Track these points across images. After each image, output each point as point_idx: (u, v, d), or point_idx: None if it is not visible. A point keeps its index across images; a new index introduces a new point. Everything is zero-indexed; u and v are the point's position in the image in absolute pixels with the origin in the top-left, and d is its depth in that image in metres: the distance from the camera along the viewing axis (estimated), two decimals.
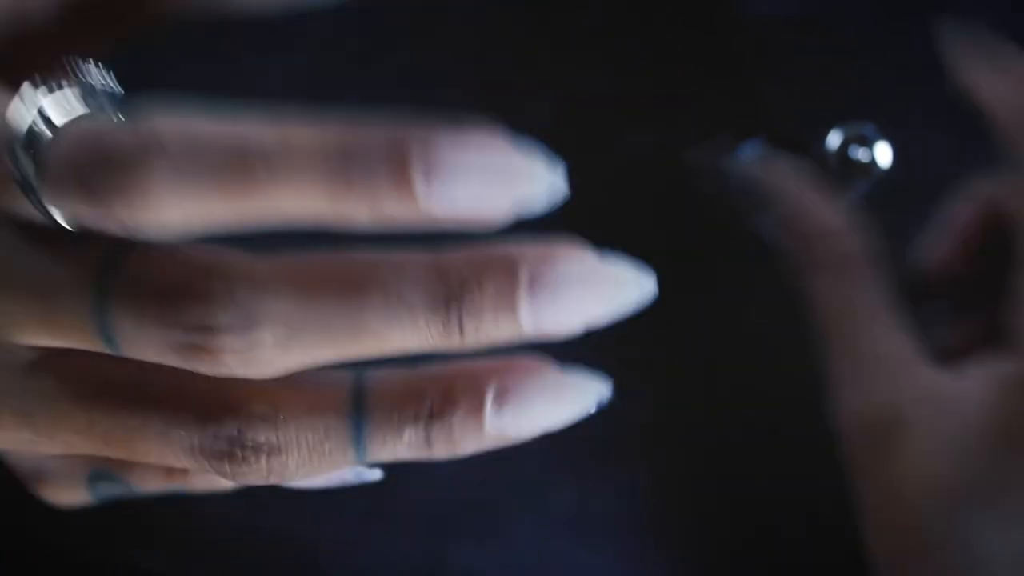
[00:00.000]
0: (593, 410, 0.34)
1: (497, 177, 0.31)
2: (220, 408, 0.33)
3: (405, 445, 0.33)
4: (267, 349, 0.31)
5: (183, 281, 0.31)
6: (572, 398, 0.33)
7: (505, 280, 0.31)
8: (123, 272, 0.32)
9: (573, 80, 0.51)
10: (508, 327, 0.32)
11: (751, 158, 0.45)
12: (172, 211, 0.31)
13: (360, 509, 0.51)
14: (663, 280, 0.53)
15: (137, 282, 0.32)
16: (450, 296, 0.31)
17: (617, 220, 0.51)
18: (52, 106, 0.32)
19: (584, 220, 0.51)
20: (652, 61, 0.51)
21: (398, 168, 0.30)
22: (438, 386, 0.33)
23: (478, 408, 0.32)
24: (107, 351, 0.33)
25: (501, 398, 0.33)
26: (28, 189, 0.32)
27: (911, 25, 0.51)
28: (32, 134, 0.32)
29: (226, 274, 0.31)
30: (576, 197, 0.52)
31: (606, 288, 0.32)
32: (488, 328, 0.31)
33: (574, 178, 0.51)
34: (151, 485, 0.40)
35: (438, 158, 0.30)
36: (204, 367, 0.32)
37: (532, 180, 0.31)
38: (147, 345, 0.32)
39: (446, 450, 0.33)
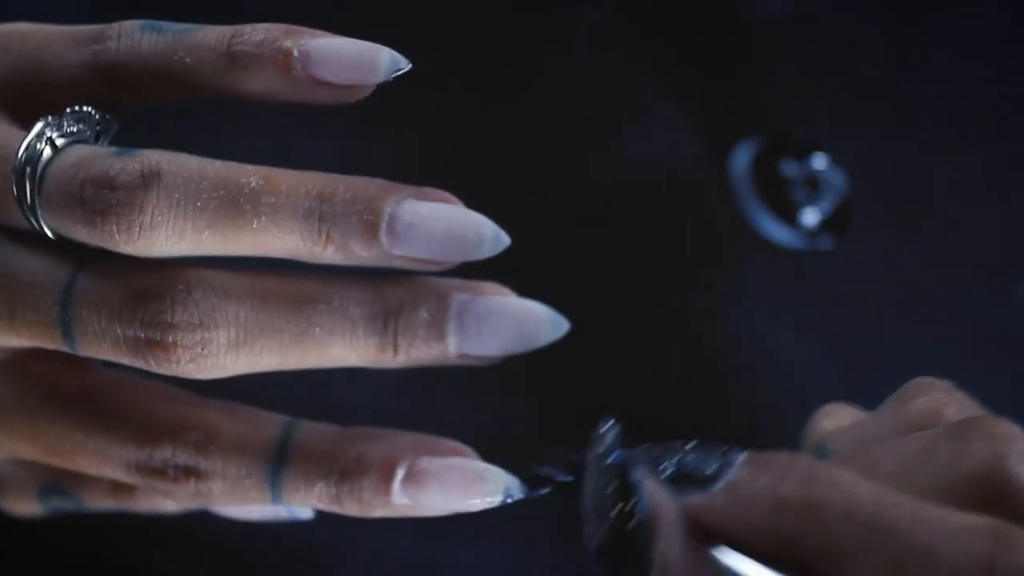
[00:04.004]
0: (503, 502, 0.36)
1: (449, 233, 0.35)
2: (158, 431, 0.36)
3: (316, 498, 0.36)
4: (219, 349, 0.34)
5: (147, 281, 0.34)
6: (482, 488, 0.36)
7: (438, 306, 0.36)
8: (91, 271, 0.35)
9: (573, 81, 0.51)
10: (436, 348, 0.36)
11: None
12: (163, 238, 0.34)
13: None
14: (663, 280, 0.53)
15: (103, 278, 0.35)
16: (388, 314, 0.35)
17: (615, 219, 0.51)
18: (54, 131, 0.35)
19: (583, 219, 0.51)
20: (651, 62, 0.51)
21: (367, 221, 0.34)
22: (355, 451, 0.36)
23: (387, 480, 0.36)
24: (64, 348, 0.35)
25: (411, 475, 0.36)
26: (25, 204, 0.35)
27: (909, 25, 0.51)
28: (33, 152, 0.35)
29: (187, 278, 0.34)
30: (576, 196, 0.52)
31: (524, 323, 0.36)
32: (419, 348, 0.36)
33: (573, 176, 0.51)
34: (99, 502, 0.42)
35: (401, 215, 0.35)
36: (155, 364, 0.34)
37: (480, 237, 0.35)
38: (104, 339, 0.34)
39: (356, 510, 0.36)
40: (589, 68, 0.51)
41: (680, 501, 0.32)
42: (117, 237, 0.34)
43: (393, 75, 0.35)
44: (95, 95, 0.37)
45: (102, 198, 0.33)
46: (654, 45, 0.51)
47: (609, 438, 0.33)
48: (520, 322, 0.36)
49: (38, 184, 0.34)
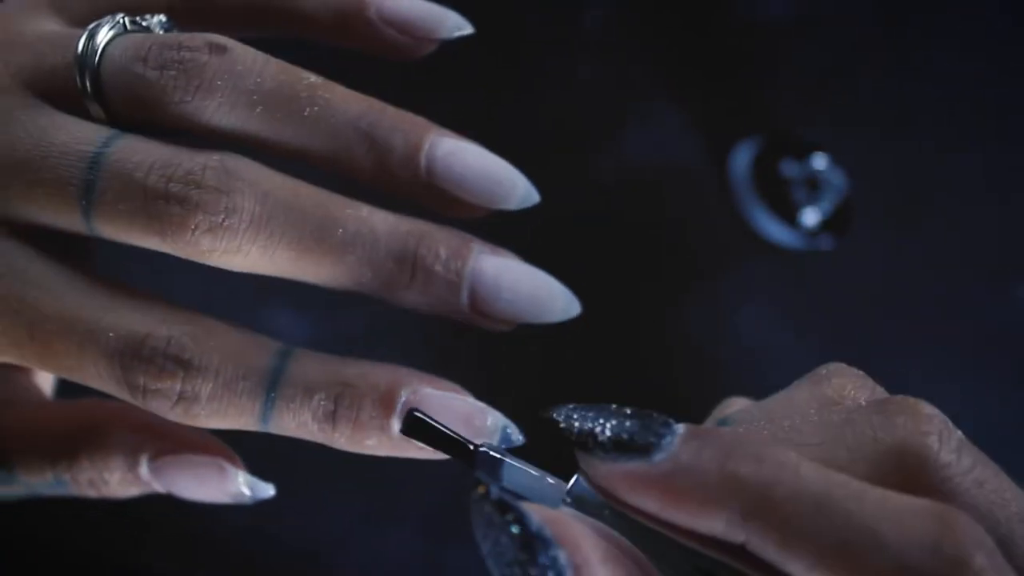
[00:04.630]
0: (500, 445, 0.35)
1: (485, 173, 0.36)
2: (156, 316, 0.34)
3: (312, 411, 0.34)
4: (239, 223, 0.34)
5: (182, 149, 0.34)
6: (483, 425, 0.35)
7: (459, 248, 0.35)
8: (129, 138, 0.35)
9: (574, 82, 0.51)
10: (451, 291, 0.35)
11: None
12: (216, 102, 0.34)
13: (360, 509, 0.51)
14: (663, 279, 0.53)
15: (139, 143, 0.34)
16: (410, 236, 0.35)
17: (616, 219, 0.51)
18: (126, 21, 0.36)
19: (584, 219, 0.51)
20: (652, 62, 0.51)
21: (411, 142, 0.35)
22: (361, 368, 0.35)
23: (389, 403, 0.34)
24: (78, 217, 0.34)
25: (414, 400, 0.35)
26: (86, 64, 0.35)
27: (910, 26, 0.52)
28: (99, 31, 0.35)
29: (223, 155, 0.34)
30: (576, 196, 0.52)
31: (539, 289, 0.36)
32: (434, 283, 0.35)
33: (574, 177, 0.51)
34: (36, 472, 0.40)
35: (443, 144, 0.35)
36: (172, 229, 0.33)
37: (513, 185, 0.36)
38: (125, 196, 0.34)
39: (348, 435, 0.35)
40: (590, 69, 0.51)
41: (620, 467, 0.31)
42: (172, 92, 0.34)
43: (455, 34, 0.37)
44: (172, 13, 0.37)
45: (167, 56, 0.34)
46: (655, 46, 0.51)
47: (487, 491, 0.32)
48: (535, 287, 0.36)
49: (100, 52, 0.35)
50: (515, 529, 0.30)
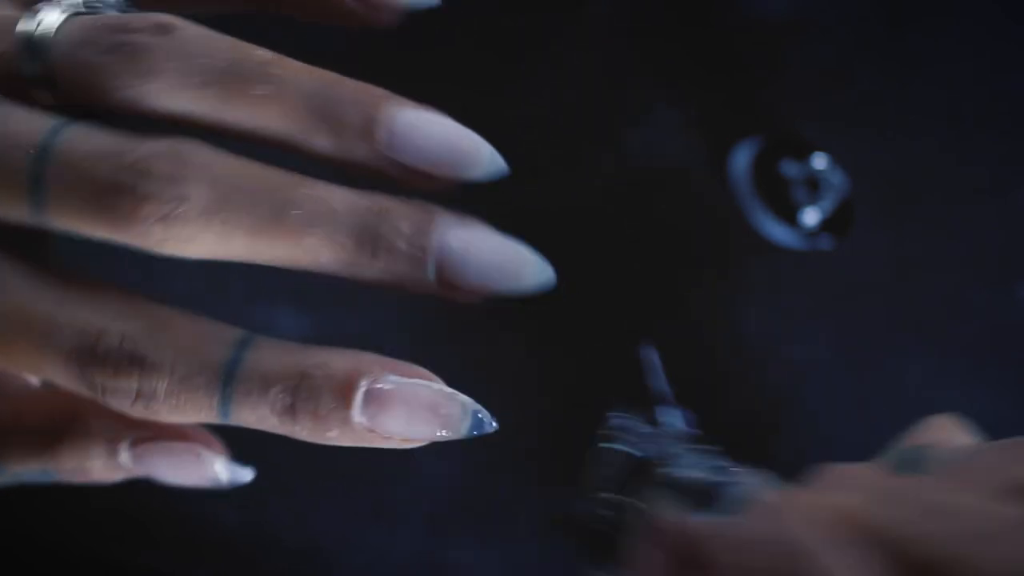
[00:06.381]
0: (470, 432, 0.34)
1: (447, 141, 0.34)
2: (109, 313, 0.34)
3: (270, 404, 0.34)
4: (192, 211, 0.33)
5: (134, 137, 0.33)
6: (449, 414, 0.34)
7: (423, 219, 0.34)
8: (79, 125, 0.34)
9: (572, 80, 0.51)
10: (415, 267, 0.34)
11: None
12: (165, 86, 0.33)
13: (360, 509, 0.51)
14: (662, 279, 0.53)
15: (90, 130, 0.34)
16: (370, 212, 0.34)
17: (615, 219, 0.51)
18: (62, 6, 0.35)
19: (582, 218, 0.51)
20: (651, 61, 0.51)
21: (368, 115, 0.34)
22: (318, 358, 0.34)
23: (349, 392, 0.33)
24: (27, 207, 0.34)
25: (375, 393, 0.34)
26: (33, 49, 0.34)
27: (911, 26, 0.52)
28: (46, 13, 0.34)
29: (175, 140, 0.33)
30: (575, 196, 0.52)
31: (510, 264, 0.35)
32: (397, 260, 0.34)
33: (573, 176, 0.51)
34: (20, 461, 0.39)
35: (403, 116, 0.34)
36: (123, 218, 0.33)
37: (478, 152, 0.35)
38: (77, 185, 0.33)
39: (310, 427, 0.34)
40: (588, 68, 0.51)
41: (683, 516, 0.30)
42: (118, 76, 0.33)
43: (422, 6, 0.36)
44: None
45: (113, 39, 0.33)
46: (654, 44, 0.51)
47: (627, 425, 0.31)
48: (504, 256, 0.35)
49: (49, 36, 0.34)
50: None
